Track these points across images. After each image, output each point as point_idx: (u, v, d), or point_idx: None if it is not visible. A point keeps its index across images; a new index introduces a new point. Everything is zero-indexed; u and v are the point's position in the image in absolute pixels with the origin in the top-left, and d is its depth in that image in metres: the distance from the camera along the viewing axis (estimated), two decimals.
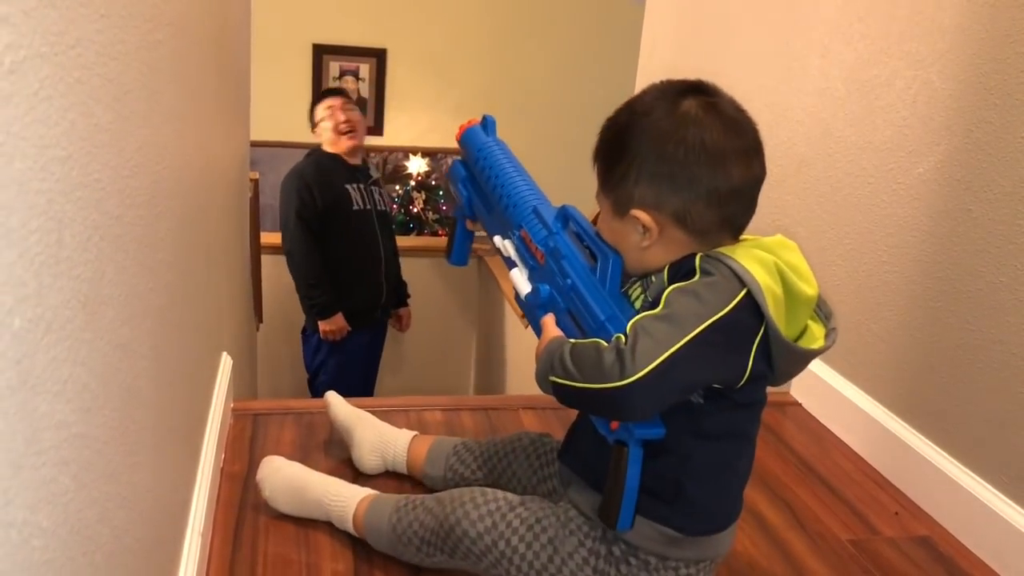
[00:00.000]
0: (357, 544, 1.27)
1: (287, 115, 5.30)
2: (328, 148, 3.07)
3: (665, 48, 2.64)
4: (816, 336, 1.04)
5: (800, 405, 1.83)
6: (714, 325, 0.94)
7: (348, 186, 3.05)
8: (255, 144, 3.33)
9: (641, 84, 2.78)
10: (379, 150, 5.48)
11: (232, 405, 1.64)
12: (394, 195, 5.52)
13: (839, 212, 1.74)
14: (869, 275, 1.66)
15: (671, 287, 0.97)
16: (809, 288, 1.02)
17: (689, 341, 0.92)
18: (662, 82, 1.07)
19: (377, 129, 5.44)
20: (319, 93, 3.24)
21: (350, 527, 1.27)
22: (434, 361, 4.30)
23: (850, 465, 1.63)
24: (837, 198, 1.74)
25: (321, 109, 3.07)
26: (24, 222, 0.49)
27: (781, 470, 1.59)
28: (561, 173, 5.54)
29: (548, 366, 1.02)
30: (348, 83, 5.44)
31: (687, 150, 1.00)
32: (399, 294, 3.45)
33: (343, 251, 3.05)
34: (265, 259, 3.35)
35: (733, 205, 1.02)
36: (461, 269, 4.28)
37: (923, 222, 1.52)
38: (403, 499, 1.23)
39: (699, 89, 1.04)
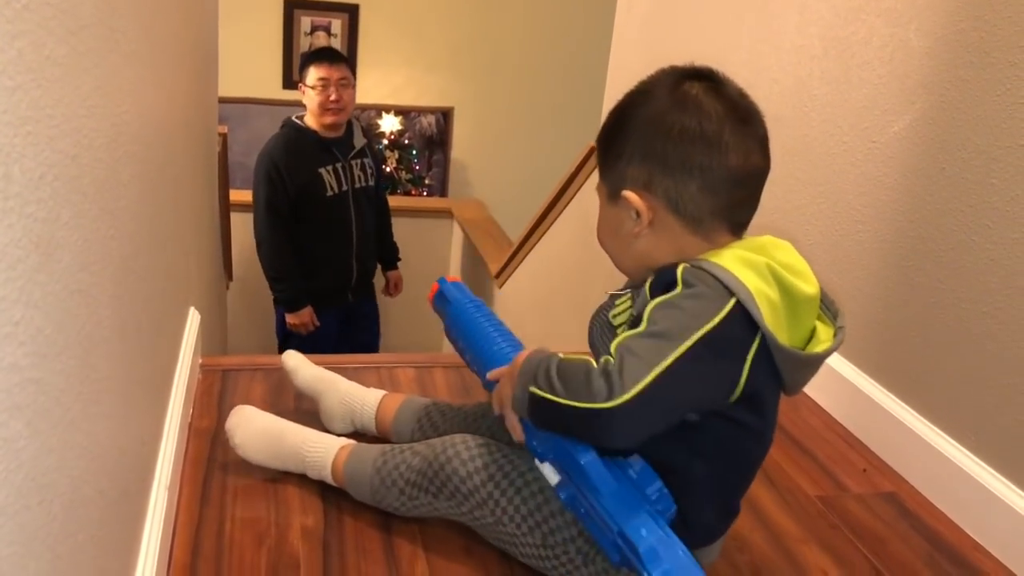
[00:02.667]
0: (327, 498, 1.26)
1: (257, 71, 5.22)
2: (308, 117, 2.89)
3: (642, 5, 2.61)
4: (822, 338, 1.01)
5: None
6: (703, 339, 0.89)
7: (322, 170, 2.87)
8: (224, 100, 3.26)
9: (618, 44, 2.76)
10: None
11: (200, 361, 1.62)
12: None
13: (813, 171, 1.73)
14: (842, 234, 1.66)
15: (653, 303, 0.94)
16: (809, 286, 0.98)
17: (678, 358, 0.88)
18: (669, 67, 1.04)
19: None
20: (314, 52, 2.96)
21: (328, 475, 1.25)
22: (407, 319, 4.28)
23: (820, 423, 1.64)
24: (812, 156, 1.74)
25: (313, 76, 2.83)
26: None
27: None
28: (535, 132, 5.51)
29: (530, 376, 0.96)
30: (320, 39, 5.35)
31: (682, 130, 0.97)
32: (387, 258, 3.32)
33: (310, 237, 2.92)
34: (235, 216, 3.30)
35: (728, 194, 0.99)
36: (435, 227, 4.25)
37: (897, 181, 1.52)
38: (388, 446, 1.22)
39: (704, 75, 1.02)
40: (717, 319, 0.91)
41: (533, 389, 0.95)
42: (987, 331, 1.34)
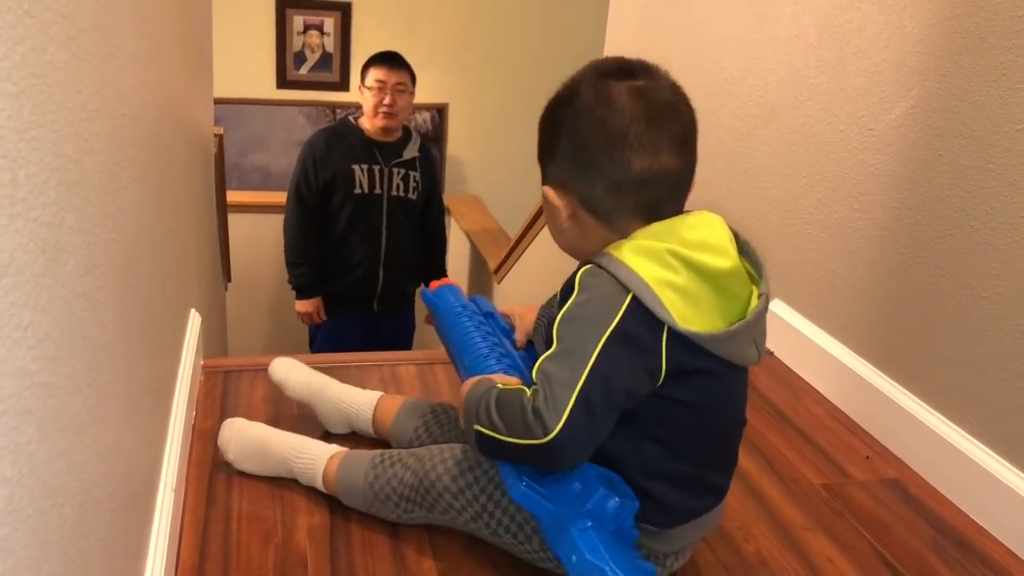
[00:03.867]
0: (333, 498, 1.26)
1: (250, 71, 5.20)
2: (363, 119, 2.88)
3: None
4: (754, 305, 1.01)
5: (772, 354, 1.84)
6: (608, 340, 0.91)
7: (356, 166, 2.83)
8: (218, 101, 3.25)
9: (612, 37, 2.76)
10: (344, 107, 5.40)
11: (202, 362, 1.62)
12: None
13: (811, 159, 1.74)
14: (840, 222, 1.66)
15: (558, 317, 0.95)
16: (724, 260, 0.97)
17: (591, 369, 0.90)
18: (603, 59, 1.04)
19: (343, 85, 5.35)
20: (377, 55, 2.92)
21: (319, 484, 1.25)
22: None
23: (822, 411, 1.65)
24: (809, 145, 1.74)
25: (371, 77, 2.83)
26: None
27: (754, 418, 1.60)
28: (530, 127, 5.51)
29: (473, 415, 0.98)
30: (312, 38, 5.34)
31: (590, 133, 0.98)
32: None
33: (335, 234, 2.89)
34: (232, 217, 3.30)
35: (635, 196, 0.98)
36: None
37: (894, 168, 1.53)
38: (378, 456, 1.21)
39: (632, 71, 1.00)
40: (616, 319, 0.92)
41: (478, 427, 0.97)
42: (987, 316, 1.34)
